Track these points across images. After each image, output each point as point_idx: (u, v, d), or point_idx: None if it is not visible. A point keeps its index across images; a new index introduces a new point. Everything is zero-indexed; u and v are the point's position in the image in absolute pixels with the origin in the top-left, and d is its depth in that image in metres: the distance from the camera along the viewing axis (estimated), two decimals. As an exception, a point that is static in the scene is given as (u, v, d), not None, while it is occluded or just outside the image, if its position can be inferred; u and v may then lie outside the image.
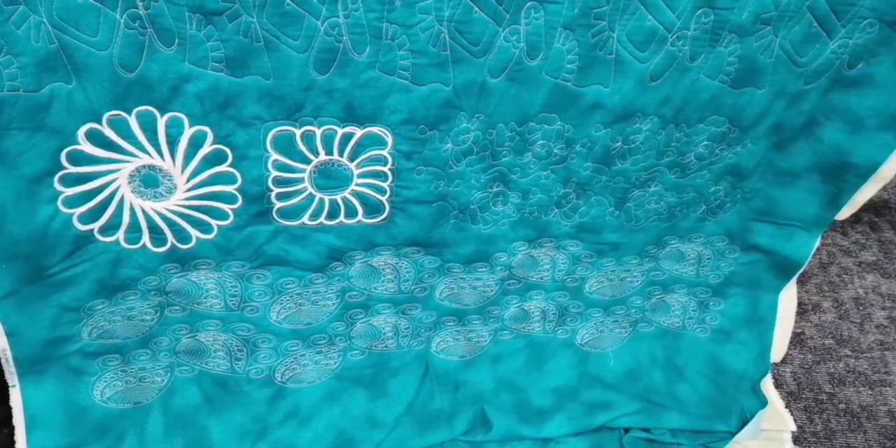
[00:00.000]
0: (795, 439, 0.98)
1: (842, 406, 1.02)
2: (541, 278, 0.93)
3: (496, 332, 0.95)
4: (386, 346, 0.91)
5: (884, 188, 1.37)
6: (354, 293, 0.86)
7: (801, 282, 1.18)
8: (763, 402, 0.97)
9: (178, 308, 0.79)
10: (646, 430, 0.94)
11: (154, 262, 0.75)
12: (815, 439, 0.98)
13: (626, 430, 0.94)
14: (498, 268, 0.90)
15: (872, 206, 1.33)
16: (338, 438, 0.86)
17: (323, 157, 0.74)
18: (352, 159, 0.75)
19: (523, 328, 0.96)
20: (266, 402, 0.85)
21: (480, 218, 0.85)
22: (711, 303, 1.00)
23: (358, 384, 0.90)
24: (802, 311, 1.14)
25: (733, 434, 0.95)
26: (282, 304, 0.83)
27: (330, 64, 0.68)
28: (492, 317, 0.94)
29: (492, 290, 0.92)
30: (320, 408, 0.87)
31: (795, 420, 1.00)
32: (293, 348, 0.86)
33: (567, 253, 0.92)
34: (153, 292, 0.77)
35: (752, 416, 0.96)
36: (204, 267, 0.77)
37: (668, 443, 0.93)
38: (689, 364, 1.00)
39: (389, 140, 0.75)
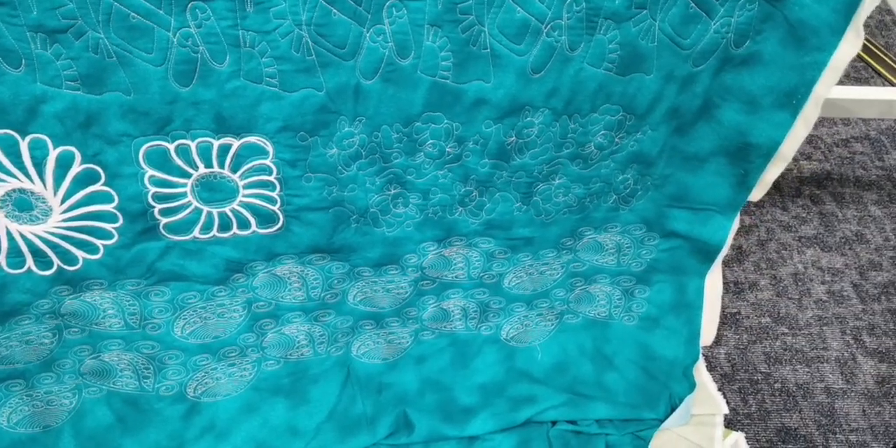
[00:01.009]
0: (729, 422, 0.97)
1: (777, 385, 1.02)
2: (456, 277, 0.92)
3: (417, 333, 0.95)
4: (302, 354, 0.90)
5: (825, 159, 1.36)
6: (261, 304, 0.85)
7: (739, 261, 1.17)
8: (693, 387, 0.97)
9: (76, 330, 0.79)
10: (572, 422, 0.93)
11: (43, 286, 0.74)
12: (748, 421, 0.97)
13: (554, 423, 0.94)
14: (409, 269, 0.89)
15: (814, 179, 1.32)
16: (256, 450, 0.86)
17: (203, 170, 0.73)
18: (234, 171, 0.74)
19: (445, 327, 0.96)
20: (180, 418, 0.85)
21: (383, 221, 0.84)
22: (636, 290, 1.00)
23: (277, 394, 0.89)
24: (739, 290, 1.13)
25: (662, 421, 0.94)
26: (185, 319, 0.82)
27: (191, 75, 0.67)
28: (410, 318, 0.93)
29: (406, 292, 0.91)
30: (238, 420, 0.87)
31: (729, 402, 0.99)
32: (203, 363, 0.85)
33: (480, 250, 0.91)
34: (48, 315, 0.77)
35: (681, 402, 0.95)
36: (97, 287, 0.77)
37: (595, 434, 0.92)
38: (618, 353, 1.00)
39: (270, 149, 0.74)
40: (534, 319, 0.98)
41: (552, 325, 0.99)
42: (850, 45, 0.72)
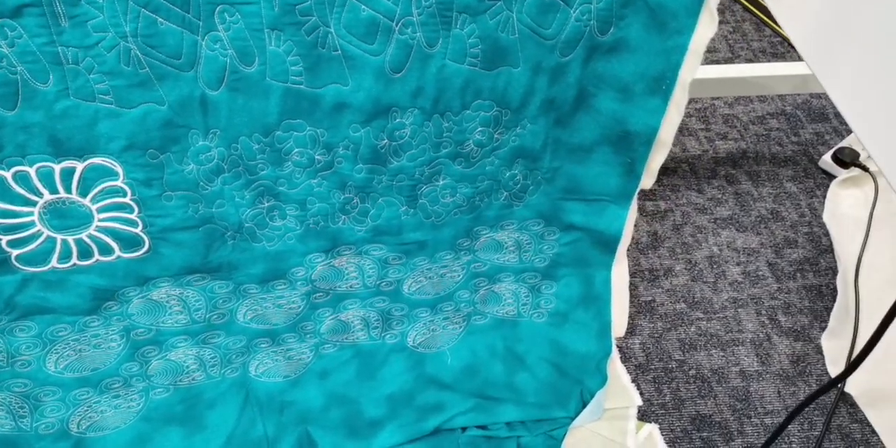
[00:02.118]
0: (643, 413, 0.96)
1: (692, 372, 1.01)
2: (350, 287, 0.89)
3: (317, 347, 0.92)
4: (193, 379, 0.87)
5: (742, 137, 1.36)
6: (140, 330, 0.81)
7: (654, 247, 1.15)
8: (605, 381, 0.95)
9: (-65, 373, 0.75)
10: (483, 427, 0.91)
11: None
12: (663, 411, 0.96)
13: (464, 429, 0.92)
14: (298, 283, 0.86)
15: (730, 158, 1.31)
16: (151, 483, 0.83)
17: (48, 196, 0.69)
18: (83, 195, 0.70)
19: (346, 339, 0.93)
20: (65, 455, 0.81)
21: (261, 235, 0.80)
22: (543, 286, 0.98)
23: (170, 422, 0.85)
24: (654, 277, 1.11)
25: (573, 419, 0.92)
26: (57, 353, 0.78)
27: (14, 98, 0.62)
28: (307, 332, 0.90)
29: (299, 306, 0.88)
30: (128, 453, 0.83)
31: (643, 393, 0.98)
32: (84, 397, 0.81)
33: (371, 258, 0.88)
34: None
35: (593, 398, 0.94)
36: (-49, 328, 0.73)
37: (506, 437, 0.90)
38: (529, 351, 0.98)
39: (119, 170, 0.70)
40: (440, 323, 0.96)
41: (460, 327, 0.97)
42: (706, 27, 0.70)
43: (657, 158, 0.83)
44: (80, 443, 0.82)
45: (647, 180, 0.87)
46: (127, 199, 0.72)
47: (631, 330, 1.04)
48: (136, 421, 0.84)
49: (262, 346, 0.89)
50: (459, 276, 0.94)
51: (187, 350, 0.84)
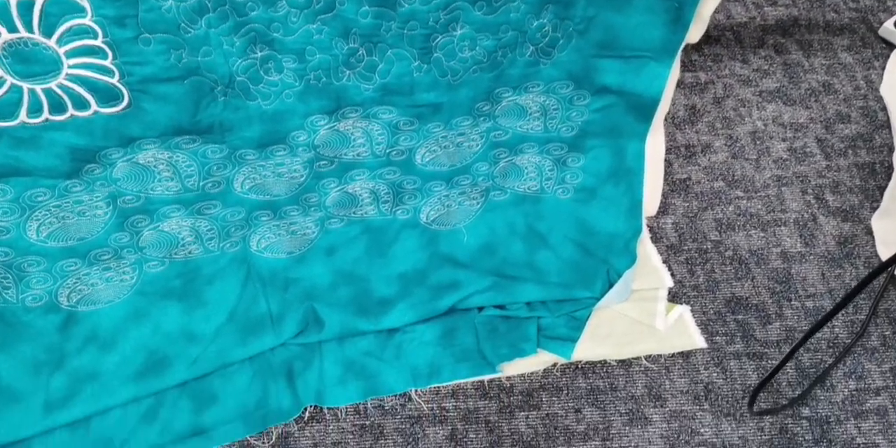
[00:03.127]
0: (673, 296, 0.89)
1: (728, 253, 0.93)
2: (357, 155, 0.81)
3: (322, 222, 0.85)
4: (190, 253, 0.81)
5: (793, 3, 1.21)
6: (128, 198, 0.74)
7: (691, 122, 1.05)
8: (633, 261, 0.88)
9: None
10: (500, 307, 0.86)
11: None
12: (695, 293, 0.90)
13: (481, 309, 0.86)
14: (300, 149, 0.78)
15: (779, 27, 1.18)
16: (149, 359, 0.78)
17: (6, 35, 0.59)
18: (47, 35, 0.61)
19: (354, 213, 0.86)
20: (56, 330, 0.77)
21: (255, 91, 0.71)
22: (569, 159, 0.89)
23: (167, 297, 0.80)
24: (690, 154, 1.02)
25: (599, 299, 0.87)
26: (38, 219, 0.72)
27: None
28: (311, 205, 0.83)
29: (301, 176, 0.80)
30: (124, 328, 0.79)
31: (674, 275, 0.91)
32: (71, 268, 0.76)
33: (380, 122, 0.79)
34: None
35: (620, 278, 0.87)
36: (-82, 188, 0.66)
37: (525, 317, 0.85)
38: (553, 229, 0.90)
39: (86, 4, 0.60)
40: (456, 199, 0.88)
41: (477, 203, 0.89)
42: None
43: (710, 1, 0.71)
44: (72, 316, 0.77)
45: (696, 31, 0.75)
46: (98, 42, 0.62)
47: (663, 209, 0.96)
48: (130, 295, 0.79)
49: (263, 219, 0.82)
50: (478, 145, 0.85)
51: (181, 221, 0.78)
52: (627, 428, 0.79)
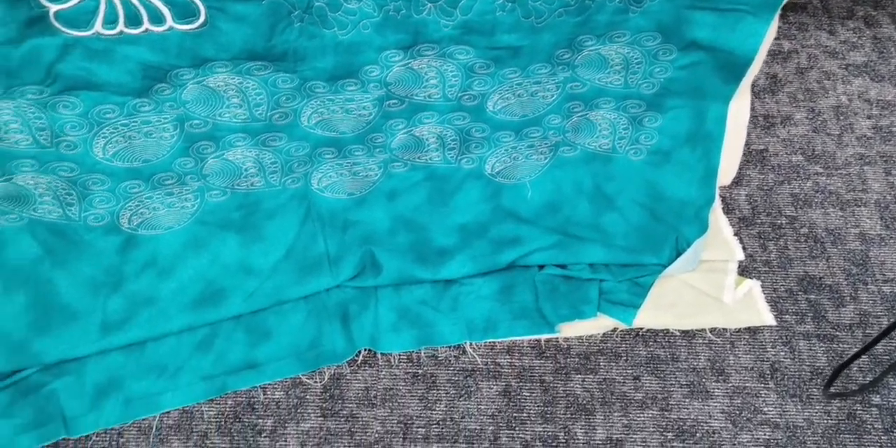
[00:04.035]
0: (743, 269, 0.85)
1: (803, 230, 0.89)
2: (428, 96, 0.78)
3: (386, 164, 0.82)
4: (252, 185, 0.79)
5: (889, -22, 1.14)
6: (196, 122, 0.73)
7: (772, 91, 1.00)
8: (704, 230, 0.84)
9: (-23, 146, 0.68)
10: (562, 266, 0.83)
11: (-78, 88, 0.63)
12: (766, 269, 0.86)
13: (542, 267, 0.83)
14: (371, 85, 0.75)
15: None
16: (206, 289, 0.77)
17: (89, -62, 0.58)
18: (131, -60, 0.59)
19: (419, 158, 0.83)
20: (116, 251, 0.76)
21: (332, 19, 0.69)
22: (646, 118, 0.84)
23: (226, 228, 0.79)
24: (769, 124, 0.97)
25: (666, 266, 0.83)
26: (105, 137, 0.70)
27: None
28: (377, 146, 0.80)
29: (370, 114, 0.78)
30: (183, 256, 0.78)
31: (746, 248, 0.87)
32: (134, 190, 0.74)
33: (456, 62, 0.76)
34: (-62, 128, 0.66)
35: (689, 247, 0.83)
36: (-10, 94, 0.65)
37: (587, 279, 0.82)
38: (621, 192, 0.87)
39: None
40: (524, 152, 0.85)
41: (545, 158, 0.86)
42: None
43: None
44: (132, 239, 0.76)
45: (804, -17, 0.70)
46: (180, -47, 0.61)
47: (737, 180, 0.92)
48: (190, 223, 0.78)
49: (327, 156, 0.80)
50: (553, 96, 0.81)
51: (246, 151, 0.76)
52: (687, 400, 0.75)
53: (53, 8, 0.61)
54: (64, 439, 0.69)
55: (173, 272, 0.77)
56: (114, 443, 0.69)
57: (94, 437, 0.70)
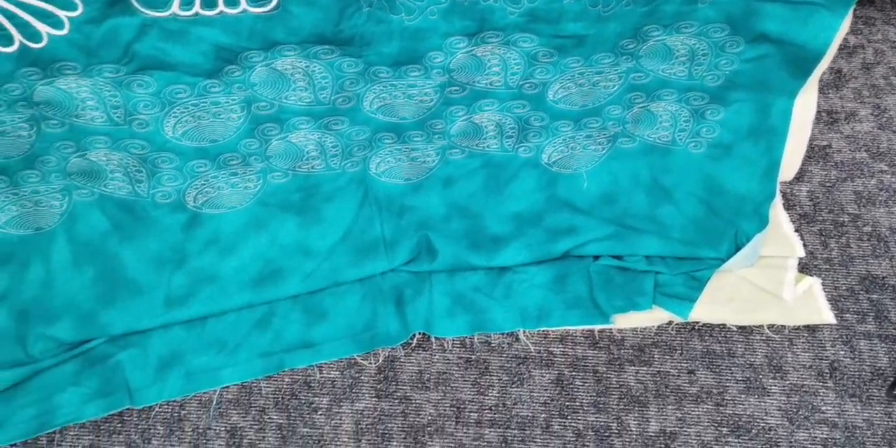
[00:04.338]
0: (803, 266, 0.84)
1: (867, 229, 0.87)
2: (490, 84, 0.78)
3: (444, 151, 0.83)
4: (312, 167, 0.80)
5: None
6: (262, 104, 0.74)
7: (836, 86, 0.97)
8: (764, 226, 0.83)
9: (55, 122, 0.70)
10: (618, 257, 0.82)
11: (6, 66, 0.65)
12: (828, 267, 0.84)
13: (596, 258, 0.83)
14: (434, 71, 0.75)
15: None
16: (264, 268, 0.79)
17: (173, -81, 0.60)
18: (212, -78, 0.61)
19: (476, 145, 0.83)
20: (181, 229, 0.78)
21: (401, 5, 0.69)
22: (709, 111, 0.83)
23: (286, 210, 0.80)
24: (832, 120, 0.95)
25: (724, 261, 0.82)
26: (175, 117, 0.72)
27: None
28: (436, 132, 0.81)
29: (431, 100, 0.78)
30: (244, 235, 0.79)
31: (806, 245, 0.85)
32: (201, 169, 0.76)
33: (519, 50, 0.76)
34: (21, 103, 0.68)
35: (749, 242, 0.82)
36: (70, 72, 0.67)
37: (644, 271, 0.81)
38: (679, 185, 0.86)
39: None
40: (581, 142, 0.85)
41: (603, 149, 0.85)
42: None
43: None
44: (196, 218, 0.78)
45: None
46: (258, -65, 0.62)
47: (799, 176, 0.90)
48: (252, 203, 0.79)
49: (387, 141, 0.80)
50: (614, 86, 0.81)
51: (309, 134, 0.77)
52: (743, 396, 0.74)
53: (134, -12, 0.63)
54: (128, 409, 0.71)
55: (234, 251, 0.79)
56: (175, 414, 0.71)
57: (156, 408, 0.72)
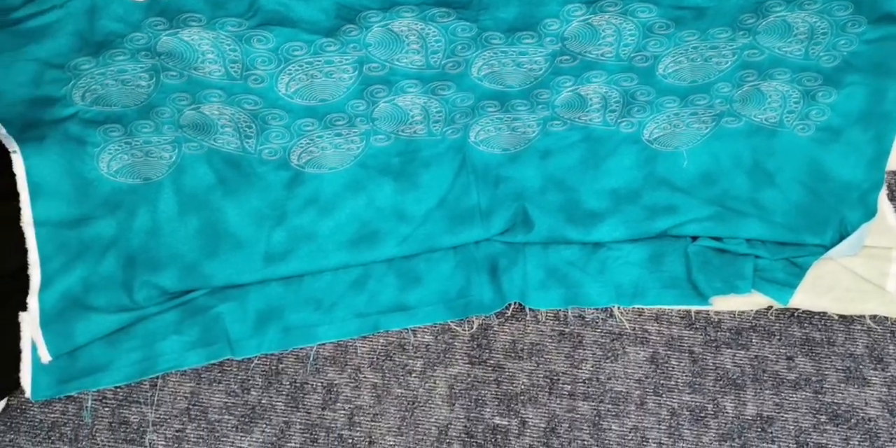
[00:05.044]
0: (906, 259, 0.82)
1: (976, 225, 0.84)
2: (601, 55, 0.77)
3: (546, 122, 0.82)
4: (415, 132, 0.80)
5: None
6: (374, 65, 0.74)
7: (950, 80, 0.94)
8: (871, 214, 0.80)
9: (174, 74, 0.71)
10: (717, 239, 0.81)
11: (136, 15, 0.66)
12: (932, 260, 0.81)
13: (694, 239, 0.82)
14: (547, 39, 0.74)
15: None
16: (361, 230, 0.79)
17: None
18: None
19: (579, 118, 0.82)
20: (283, 186, 0.78)
21: (523, -32, 0.69)
22: (820, 93, 0.81)
23: (385, 173, 0.80)
24: (944, 114, 0.91)
25: (827, 248, 0.80)
26: (290, 74, 0.73)
27: None
28: (540, 102, 0.80)
29: (540, 68, 0.77)
30: (343, 196, 0.79)
31: (911, 237, 0.83)
32: (308, 128, 0.77)
33: (636, 21, 0.74)
34: (143, 53, 0.69)
35: (853, 230, 0.80)
36: (194, 23, 0.67)
37: (744, 254, 0.79)
38: (782, 168, 0.83)
39: None
40: (685, 119, 0.83)
41: (706, 128, 0.83)
42: None
43: None
44: (299, 176, 0.78)
45: None
46: None
47: (906, 166, 0.87)
48: (352, 165, 0.80)
49: (490, 109, 0.80)
50: (727, 63, 0.79)
51: (415, 98, 0.77)
52: (843, 385, 0.73)
53: (266, -60, 0.63)
54: (228, 359, 0.73)
55: (333, 211, 0.79)
56: (273, 368, 0.73)
57: (255, 361, 0.73)
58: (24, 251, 0.71)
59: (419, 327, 0.75)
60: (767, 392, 0.72)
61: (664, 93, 0.80)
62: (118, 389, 0.71)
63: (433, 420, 0.70)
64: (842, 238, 0.80)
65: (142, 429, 0.69)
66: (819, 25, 0.76)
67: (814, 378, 0.73)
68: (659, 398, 0.71)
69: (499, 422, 0.70)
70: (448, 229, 0.80)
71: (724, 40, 0.76)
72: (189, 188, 0.77)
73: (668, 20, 0.74)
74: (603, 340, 0.75)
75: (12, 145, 0.69)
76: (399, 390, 0.72)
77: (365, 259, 0.78)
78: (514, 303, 0.76)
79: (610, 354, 0.74)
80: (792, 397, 0.72)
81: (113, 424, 0.69)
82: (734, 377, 0.73)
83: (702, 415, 0.71)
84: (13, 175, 0.71)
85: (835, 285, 0.78)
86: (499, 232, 0.80)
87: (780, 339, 0.75)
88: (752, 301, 0.77)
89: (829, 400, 0.72)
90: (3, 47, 0.64)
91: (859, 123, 0.81)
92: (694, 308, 0.77)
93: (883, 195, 0.85)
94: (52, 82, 0.68)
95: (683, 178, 0.84)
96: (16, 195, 0.71)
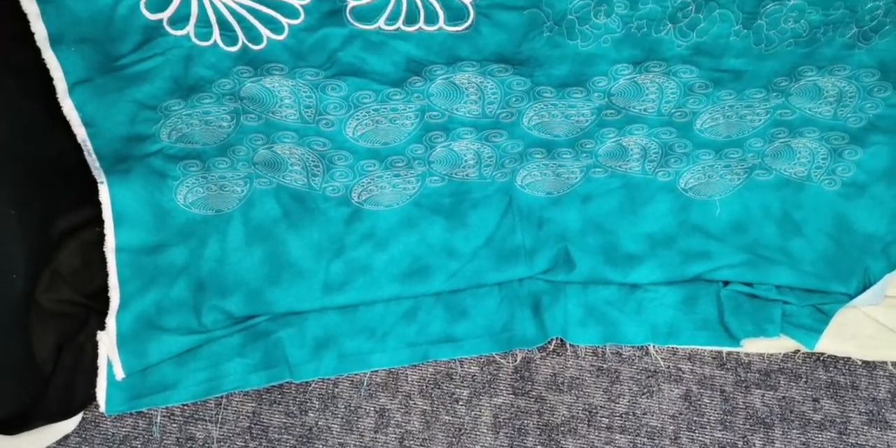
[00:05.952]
0: (926, 309, 0.86)
1: None
2: (644, 110, 0.83)
3: (588, 169, 0.88)
4: (467, 175, 0.86)
5: None
6: (434, 113, 0.80)
7: (968, 140, 0.99)
8: (892, 266, 0.85)
9: (253, 116, 0.77)
10: (748, 284, 0.86)
11: (226, 63, 0.72)
12: (951, 311, 0.86)
13: (726, 283, 0.86)
14: (595, 94, 0.81)
15: None
16: (413, 264, 0.84)
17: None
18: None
19: (619, 166, 0.88)
20: (343, 221, 0.84)
21: (578, 32, 0.75)
22: (847, 151, 0.86)
23: (437, 212, 0.86)
24: (962, 173, 0.97)
25: (852, 297, 0.84)
26: (358, 119, 0.79)
27: None
28: (584, 151, 0.86)
29: (586, 120, 0.83)
30: (397, 233, 0.85)
31: (931, 289, 0.88)
32: (370, 168, 0.83)
33: (678, 81, 0.80)
34: (228, 97, 0.75)
35: (876, 281, 0.85)
36: (277, 72, 0.74)
37: (773, 300, 0.84)
38: (808, 220, 0.88)
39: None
40: (719, 171, 0.88)
41: (738, 179, 0.89)
42: None
43: None
44: (358, 213, 0.84)
45: None
46: (469, -39, 0.68)
47: (927, 221, 0.92)
48: (408, 204, 0.85)
49: (537, 156, 0.86)
50: (760, 120, 0.84)
51: (470, 143, 0.83)
52: (866, 428, 0.77)
53: (352, 3, 0.70)
54: (287, 382, 0.78)
55: (387, 246, 0.85)
56: (329, 391, 0.77)
57: (312, 384, 0.78)
58: (105, 274, 0.77)
59: (466, 358, 0.80)
60: (794, 432, 0.76)
61: (700, 146, 0.86)
62: (185, 407, 0.76)
63: (479, 447, 0.75)
64: (866, 287, 0.85)
65: (207, 445, 0.74)
66: (847, 90, 0.82)
67: (838, 420, 0.77)
68: (692, 434, 0.76)
69: (538, 451, 0.75)
70: (494, 266, 0.85)
71: (758, 100, 0.82)
72: (256, 220, 0.83)
73: (708, 81, 0.80)
74: (639, 377, 0.79)
75: (100, 176, 0.76)
76: (447, 417, 0.76)
77: (415, 292, 0.83)
78: (556, 338, 0.81)
79: (646, 390, 0.78)
80: (818, 437, 0.76)
81: (180, 440, 0.74)
82: (763, 416, 0.77)
83: (732, 452, 0.75)
84: (99, 204, 0.77)
85: (858, 332, 0.83)
86: (542, 270, 0.86)
87: (806, 382, 0.79)
88: (780, 344, 0.82)
89: (853, 441, 0.76)
90: (108, 89, 0.70)
91: (883, 180, 0.87)
92: (725, 349, 0.82)
93: (904, 247, 0.90)
94: (145, 121, 0.74)
95: (716, 226, 0.89)
96: (100, 222, 0.78)
